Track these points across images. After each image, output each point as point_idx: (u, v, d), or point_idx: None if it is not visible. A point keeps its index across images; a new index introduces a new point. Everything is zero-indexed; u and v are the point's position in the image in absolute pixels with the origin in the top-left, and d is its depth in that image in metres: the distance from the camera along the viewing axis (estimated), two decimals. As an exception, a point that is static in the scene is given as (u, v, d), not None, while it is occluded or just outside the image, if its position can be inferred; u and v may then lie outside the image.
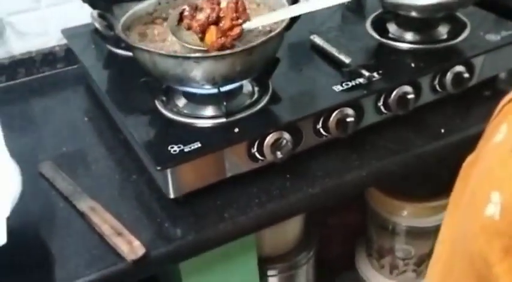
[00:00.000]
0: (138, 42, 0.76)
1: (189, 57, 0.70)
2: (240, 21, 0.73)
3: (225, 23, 0.73)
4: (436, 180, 1.00)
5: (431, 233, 1.06)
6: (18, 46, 1.04)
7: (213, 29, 0.73)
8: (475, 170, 0.48)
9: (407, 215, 1.09)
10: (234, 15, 0.73)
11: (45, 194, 0.76)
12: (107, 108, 0.89)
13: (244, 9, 0.75)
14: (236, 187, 0.75)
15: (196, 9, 0.76)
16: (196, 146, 0.71)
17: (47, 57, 1.06)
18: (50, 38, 1.06)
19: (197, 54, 0.71)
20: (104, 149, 0.85)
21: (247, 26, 0.74)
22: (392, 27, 0.95)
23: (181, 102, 0.80)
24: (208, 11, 0.74)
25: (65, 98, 0.98)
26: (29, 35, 1.04)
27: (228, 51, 0.71)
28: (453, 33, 0.91)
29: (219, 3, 0.76)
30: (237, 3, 0.74)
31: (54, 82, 1.03)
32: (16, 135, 0.87)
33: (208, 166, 0.73)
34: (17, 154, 0.74)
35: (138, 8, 0.80)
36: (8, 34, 1.03)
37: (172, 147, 0.71)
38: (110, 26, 0.76)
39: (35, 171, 0.79)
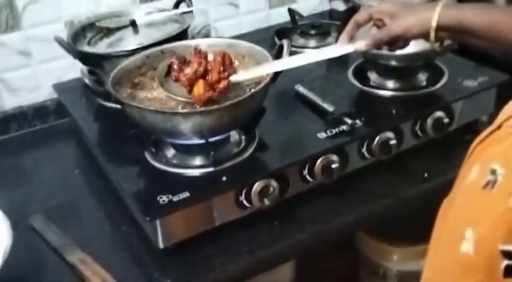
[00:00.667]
0: (127, 97, 0.78)
1: (177, 113, 0.73)
2: (226, 74, 0.76)
3: (212, 76, 0.76)
4: (423, 223, 1.01)
5: (422, 276, 1.06)
6: (10, 101, 1.07)
7: (200, 82, 0.76)
8: (451, 211, 0.50)
9: (397, 259, 1.10)
10: (221, 68, 0.76)
11: (35, 247, 0.77)
12: (97, 160, 0.90)
13: (231, 62, 0.78)
14: (225, 235, 0.76)
15: (184, 62, 0.79)
16: (184, 196, 0.72)
17: (39, 111, 1.08)
18: (42, 93, 1.09)
19: (185, 110, 0.74)
20: (94, 200, 0.86)
21: (234, 79, 0.77)
22: (373, 76, 0.98)
23: (170, 152, 0.82)
24: (195, 65, 0.77)
25: (56, 151, 1.00)
26: (21, 90, 1.07)
27: (215, 106, 0.74)
28: (432, 80, 0.94)
29: (206, 57, 0.79)
30: (224, 57, 0.77)
31: (45, 135, 1.04)
32: (8, 188, 0.88)
33: (197, 215, 0.74)
34: (8, 207, 0.75)
35: (127, 62, 0.83)
36: (0, 90, 1.05)
37: (161, 198, 0.72)
38: (100, 81, 0.79)
39: (26, 225, 0.79)
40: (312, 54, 0.78)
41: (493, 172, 0.45)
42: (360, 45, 0.75)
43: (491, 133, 0.48)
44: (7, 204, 0.79)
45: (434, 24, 0.68)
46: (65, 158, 0.97)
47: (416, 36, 0.72)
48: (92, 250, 0.74)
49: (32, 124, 1.07)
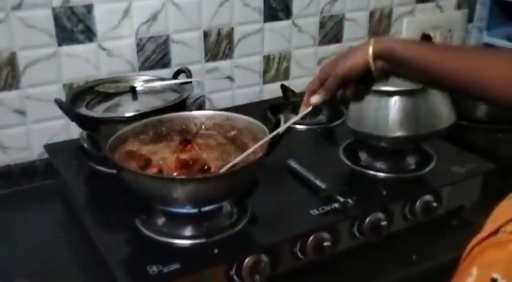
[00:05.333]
0: (123, 162, 0.78)
1: (174, 179, 0.73)
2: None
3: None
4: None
5: None
6: (-2, 159, 1.06)
7: None
8: None
9: None
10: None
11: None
12: (85, 224, 0.88)
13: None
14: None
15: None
16: (175, 267, 0.71)
17: (26, 171, 1.07)
18: (32, 152, 1.08)
19: (182, 176, 0.74)
20: (78, 266, 0.84)
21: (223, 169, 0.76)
22: (363, 155, 1.00)
23: (161, 221, 0.81)
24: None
25: (42, 212, 0.98)
26: (12, 148, 1.07)
27: (212, 174, 0.74)
28: (421, 164, 0.97)
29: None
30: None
31: (31, 196, 1.03)
32: (-11, 249, 0.86)
33: (186, 288, 0.73)
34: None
35: (126, 129, 0.83)
36: (-10, 148, 1.05)
37: (151, 268, 0.71)
38: (97, 146, 0.79)
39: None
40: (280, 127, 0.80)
41: (494, 281, 0.46)
42: (315, 98, 0.77)
43: (488, 236, 0.50)
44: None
45: (370, 53, 0.72)
46: (50, 220, 0.95)
47: (359, 71, 0.74)
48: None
49: (18, 183, 1.06)
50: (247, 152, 0.77)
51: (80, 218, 0.91)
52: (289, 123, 0.78)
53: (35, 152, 1.08)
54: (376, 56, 0.72)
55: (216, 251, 0.74)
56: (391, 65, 0.73)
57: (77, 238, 0.89)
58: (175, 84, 1.06)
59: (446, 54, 0.70)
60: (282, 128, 0.78)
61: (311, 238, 0.79)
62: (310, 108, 0.79)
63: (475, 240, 0.52)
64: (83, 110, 0.97)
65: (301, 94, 1.27)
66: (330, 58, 0.83)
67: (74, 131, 1.05)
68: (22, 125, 1.07)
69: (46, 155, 1.04)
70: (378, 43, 0.73)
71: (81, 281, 0.81)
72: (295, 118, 0.80)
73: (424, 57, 0.70)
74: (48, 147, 1.04)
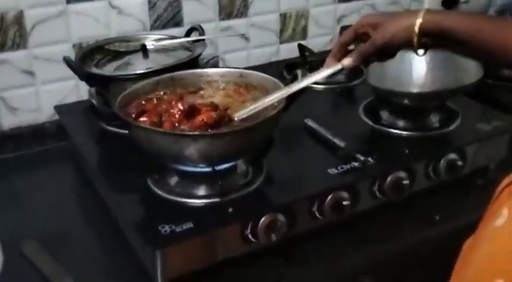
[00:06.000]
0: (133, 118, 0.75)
1: (186, 135, 0.70)
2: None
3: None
4: (432, 269, 0.97)
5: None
6: (8, 121, 1.04)
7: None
8: (476, 254, 0.47)
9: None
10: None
11: (25, 274, 0.72)
12: (96, 186, 0.86)
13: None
14: (226, 272, 0.71)
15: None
16: (188, 226, 0.68)
17: (37, 133, 1.05)
18: (42, 114, 1.06)
19: (195, 132, 0.71)
20: (90, 228, 0.81)
21: (238, 115, 0.74)
22: (384, 114, 0.96)
23: (173, 180, 0.78)
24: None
25: (52, 175, 0.96)
26: (21, 110, 1.04)
27: (225, 130, 0.71)
28: (445, 122, 0.92)
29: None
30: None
31: (42, 158, 1.00)
32: (1, 211, 0.84)
33: (200, 248, 0.70)
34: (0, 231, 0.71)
35: (136, 86, 0.80)
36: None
37: (163, 227, 0.68)
38: (107, 103, 0.76)
39: (17, 250, 0.75)
40: (304, 81, 0.75)
41: None
42: (348, 61, 0.73)
43: None
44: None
45: (417, 30, 0.67)
46: (61, 183, 0.93)
47: (401, 44, 0.70)
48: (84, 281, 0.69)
49: (29, 145, 1.04)
50: (266, 100, 0.74)
51: (91, 179, 0.89)
52: (314, 79, 0.74)
53: (45, 113, 1.06)
54: (423, 32, 0.67)
55: (230, 209, 0.72)
56: (438, 40, 0.68)
57: (88, 199, 0.86)
58: (187, 42, 1.02)
59: (503, 25, 0.65)
60: (304, 83, 0.74)
61: (329, 197, 0.76)
62: (340, 67, 0.74)
63: (505, 181, 0.48)
64: (93, 69, 0.93)
65: (320, 54, 1.25)
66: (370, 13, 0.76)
67: (84, 92, 1.02)
68: (31, 86, 1.04)
69: (56, 117, 1.02)
70: (429, 18, 0.67)
71: (92, 242, 0.79)
72: (322, 73, 0.74)
73: (480, 34, 0.65)
74: (59, 109, 1.01)
